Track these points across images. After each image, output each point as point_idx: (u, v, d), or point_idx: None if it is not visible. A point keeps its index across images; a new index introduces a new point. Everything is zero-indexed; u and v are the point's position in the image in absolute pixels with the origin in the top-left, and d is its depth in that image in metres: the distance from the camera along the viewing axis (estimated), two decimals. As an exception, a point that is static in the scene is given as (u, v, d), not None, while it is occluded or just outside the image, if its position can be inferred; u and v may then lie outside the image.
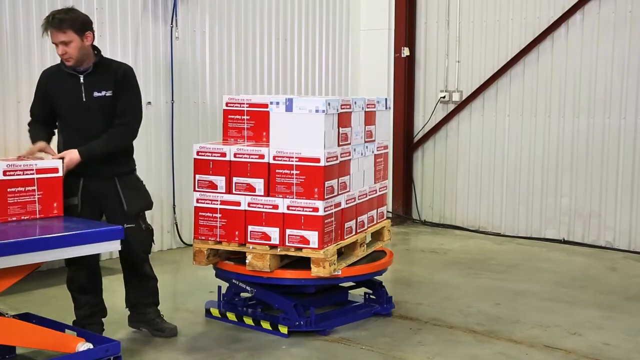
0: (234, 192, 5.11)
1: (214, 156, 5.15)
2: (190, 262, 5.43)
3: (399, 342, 5.10)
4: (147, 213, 5.12)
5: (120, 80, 4.81)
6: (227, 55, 8.14)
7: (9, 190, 4.32)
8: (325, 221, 4.96)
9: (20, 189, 4.36)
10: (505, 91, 8.70)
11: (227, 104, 5.40)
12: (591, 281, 6.73)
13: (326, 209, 4.95)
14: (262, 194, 5.04)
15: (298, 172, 4.94)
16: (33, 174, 4.42)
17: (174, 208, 7.75)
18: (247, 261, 5.08)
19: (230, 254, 5.35)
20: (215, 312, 5.50)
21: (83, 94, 4.74)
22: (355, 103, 5.38)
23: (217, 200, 5.15)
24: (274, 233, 5.02)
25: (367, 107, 5.57)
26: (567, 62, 8.22)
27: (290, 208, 4.97)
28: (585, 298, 6.20)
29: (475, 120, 8.95)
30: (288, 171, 4.96)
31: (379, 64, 9.45)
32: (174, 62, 7.63)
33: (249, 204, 5.07)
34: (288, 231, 4.99)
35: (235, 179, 5.11)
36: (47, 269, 6.27)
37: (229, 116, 5.39)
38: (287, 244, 5.01)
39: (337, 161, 5.08)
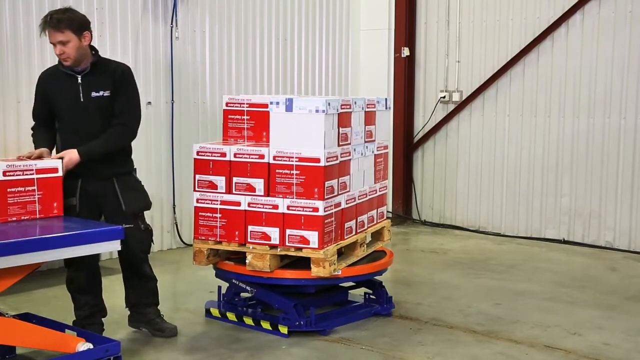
0: (234, 192, 5.11)
1: (214, 156, 5.15)
2: (190, 262, 5.43)
3: (399, 342, 5.10)
4: (147, 213, 5.11)
5: (119, 80, 4.80)
6: (227, 55, 8.14)
7: (8, 190, 4.32)
8: (325, 221, 4.96)
9: (20, 189, 4.37)
10: (505, 91, 8.70)
11: (227, 104, 5.40)
12: (591, 281, 6.73)
13: (326, 209, 4.95)
14: (262, 194, 5.04)
15: (298, 172, 4.94)
16: (33, 174, 4.42)
17: (174, 208, 7.75)
18: (247, 261, 5.08)
19: (230, 254, 5.35)
20: (215, 312, 5.50)
21: (81, 94, 4.74)
22: (355, 103, 5.38)
23: (217, 200, 5.15)
24: (274, 233, 5.02)
25: (367, 107, 5.57)
26: (567, 62, 8.22)
27: (290, 208, 4.97)
28: (585, 298, 6.20)
29: (475, 120, 8.95)
30: (288, 171, 4.96)
31: (379, 64, 9.45)
32: (174, 62, 7.63)
33: (249, 204, 5.07)
34: (288, 231, 4.99)
35: (235, 179, 5.11)
36: (47, 269, 6.27)
37: (229, 116, 5.39)
38: (287, 244, 5.01)
39: (337, 161, 5.08)
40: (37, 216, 4.43)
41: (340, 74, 9.46)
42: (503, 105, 8.72)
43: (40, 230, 4.26)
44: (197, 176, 5.21)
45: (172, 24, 7.56)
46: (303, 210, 4.94)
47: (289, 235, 4.99)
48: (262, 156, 5.02)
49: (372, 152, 5.68)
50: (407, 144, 9.39)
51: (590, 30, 8.06)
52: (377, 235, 5.93)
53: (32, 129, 4.95)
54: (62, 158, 4.62)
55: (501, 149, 8.76)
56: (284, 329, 5.13)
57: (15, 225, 4.29)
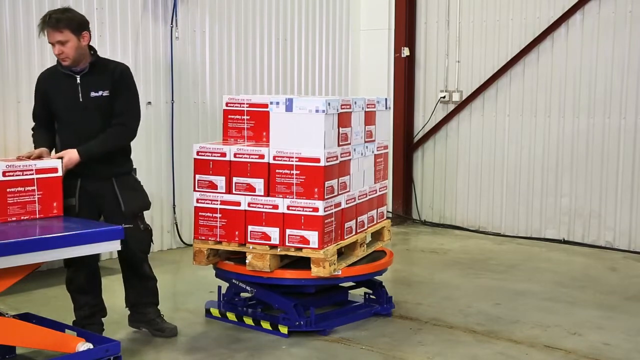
0: (234, 192, 5.11)
1: (214, 156, 5.15)
2: (190, 262, 5.43)
3: (399, 342, 5.10)
4: (147, 213, 5.11)
5: (118, 80, 4.80)
6: (227, 55, 8.14)
7: (8, 190, 4.32)
8: (325, 221, 4.96)
9: (19, 189, 4.36)
10: (505, 91, 8.70)
11: (227, 104, 5.40)
12: (591, 281, 6.73)
13: (326, 209, 4.95)
14: (262, 194, 5.04)
15: (298, 172, 4.94)
16: (32, 174, 4.42)
17: (174, 208, 7.75)
18: (247, 261, 5.08)
19: (230, 254, 5.35)
20: (215, 312, 5.50)
21: (80, 94, 4.74)
22: (355, 103, 5.38)
23: (217, 200, 5.15)
24: (274, 233, 5.02)
25: (367, 107, 5.57)
26: (567, 62, 8.22)
27: (290, 208, 4.97)
28: (585, 298, 6.20)
29: (475, 120, 8.95)
30: (288, 171, 4.96)
31: (379, 64, 9.45)
32: (174, 62, 7.64)
33: (249, 204, 5.07)
34: (288, 231, 4.99)
35: (235, 179, 5.11)
36: (47, 269, 6.27)
37: (229, 116, 5.38)
38: (287, 244, 5.01)
39: (337, 161, 5.08)
40: (37, 216, 4.43)
41: (340, 74, 9.46)
42: (503, 105, 8.72)
43: (40, 230, 4.26)
44: (197, 176, 5.21)
45: (172, 24, 7.56)
46: (303, 210, 4.94)
47: (289, 235, 4.99)
48: (262, 156, 5.02)
49: (372, 152, 5.68)
50: (407, 144, 9.39)
51: (590, 30, 8.05)
52: (377, 235, 5.93)
53: (33, 129, 4.95)
54: (61, 158, 4.62)
55: (501, 149, 8.76)
56: (284, 329, 5.13)
57: (15, 225, 4.29)
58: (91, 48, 4.79)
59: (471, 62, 8.93)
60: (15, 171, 4.35)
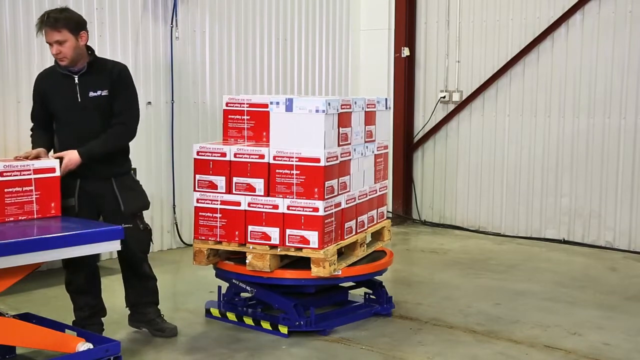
0: (234, 192, 5.11)
1: (214, 156, 5.15)
2: (190, 262, 5.43)
3: (399, 342, 5.10)
4: (147, 213, 5.12)
5: (116, 79, 4.80)
6: (227, 55, 8.14)
7: (6, 190, 4.31)
8: (325, 221, 4.96)
9: (17, 189, 4.35)
10: (505, 91, 8.69)
11: (227, 104, 5.40)
12: (591, 281, 6.73)
13: (326, 209, 4.95)
14: (262, 194, 5.04)
15: (298, 172, 4.94)
16: (30, 174, 4.41)
17: (174, 208, 7.75)
18: (247, 261, 5.08)
19: (230, 254, 5.35)
20: (215, 312, 5.50)
21: (78, 94, 4.73)
22: (355, 103, 5.38)
23: (217, 200, 5.15)
24: (274, 233, 5.02)
25: (367, 107, 5.57)
26: (567, 62, 8.22)
27: (291, 208, 4.97)
28: (585, 298, 6.20)
29: (475, 120, 8.95)
30: (288, 171, 4.96)
31: (379, 64, 9.45)
32: (174, 62, 7.63)
33: (249, 204, 5.07)
34: (288, 231, 4.99)
35: (235, 179, 5.11)
36: (47, 269, 6.26)
37: (229, 116, 5.38)
38: (287, 244, 5.01)
39: (337, 161, 5.08)
40: (35, 216, 4.42)
41: (340, 74, 9.46)
42: (503, 105, 8.72)
43: (40, 230, 4.26)
44: (197, 176, 5.21)
45: (172, 24, 7.56)
46: (303, 210, 4.94)
47: (289, 235, 4.99)
48: (262, 156, 5.02)
49: (372, 152, 5.68)
50: (407, 144, 9.39)
51: (590, 30, 8.05)
52: (377, 235, 5.93)
53: (31, 129, 4.95)
54: (61, 158, 4.62)
55: (501, 149, 8.76)
56: (284, 329, 5.13)
57: (14, 225, 4.28)
58: (89, 48, 4.79)
59: (471, 62, 8.93)
60: (13, 171, 4.34)
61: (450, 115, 9.09)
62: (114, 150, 4.83)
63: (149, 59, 7.47)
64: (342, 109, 5.13)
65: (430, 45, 9.23)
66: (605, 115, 8.01)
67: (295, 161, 4.94)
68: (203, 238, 5.22)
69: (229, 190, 5.12)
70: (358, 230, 5.46)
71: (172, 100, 7.65)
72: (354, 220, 5.39)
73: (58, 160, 4.58)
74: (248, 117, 5.32)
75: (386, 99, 5.95)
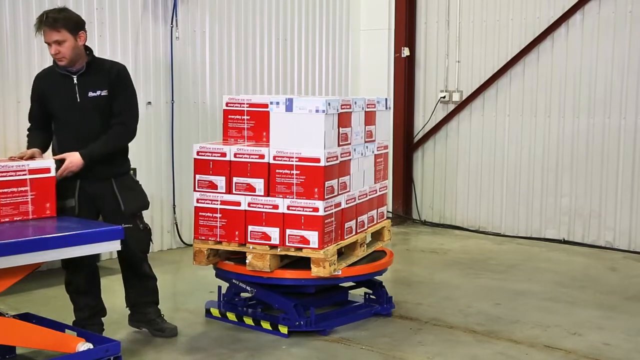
0: (234, 192, 5.11)
1: (214, 156, 5.15)
2: (190, 262, 5.43)
3: (399, 342, 5.10)
4: (147, 213, 5.12)
5: (115, 79, 4.80)
6: (227, 55, 8.14)
7: (1, 191, 4.29)
8: (326, 221, 4.96)
9: (13, 189, 4.33)
10: (505, 91, 8.69)
11: (227, 104, 5.40)
12: (591, 281, 6.73)
13: (326, 209, 4.95)
14: (262, 194, 5.04)
15: (298, 172, 4.94)
16: (26, 174, 4.39)
17: (174, 208, 7.75)
18: (247, 261, 5.08)
19: (230, 254, 5.35)
20: (215, 312, 5.50)
21: (77, 95, 4.73)
22: (355, 103, 5.38)
23: (217, 200, 5.15)
24: (274, 233, 5.02)
25: (367, 107, 5.57)
26: (567, 62, 8.22)
27: (291, 208, 4.97)
28: (585, 298, 6.20)
29: (475, 120, 8.95)
30: (288, 171, 4.96)
31: (379, 64, 9.45)
32: (174, 62, 7.63)
33: (249, 204, 5.07)
34: (288, 231, 4.99)
35: (235, 179, 5.11)
36: (47, 269, 6.26)
37: (229, 116, 5.38)
38: (287, 244, 5.01)
39: (337, 161, 5.08)
40: (30, 217, 4.40)
41: (340, 74, 9.46)
42: (503, 105, 8.72)
43: (40, 230, 4.25)
44: (197, 176, 5.21)
45: (172, 24, 7.56)
46: (303, 210, 4.94)
47: (289, 235, 4.99)
48: (262, 156, 5.02)
49: (372, 152, 5.68)
50: (407, 144, 9.39)
51: (590, 30, 8.05)
52: (377, 235, 5.93)
53: (28, 130, 4.94)
54: (62, 160, 4.62)
55: (501, 149, 8.76)
56: (284, 329, 5.13)
57: (13, 225, 4.27)
58: (87, 48, 4.79)
59: (471, 62, 8.93)
60: (8, 172, 4.32)
61: (450, 115, 9.09)
62: (115, 150, 4.83)
63: (149, 59, 7.47)
64: (342, 109, 5.13)
65: (430, 45, 9.24)
66: (605, 115, 8.01)
67: (295, 161, 4.94)
68: (203, 238, 5.22)
69: (229, 190, 5.12)
70: (358, 230, 5.46)
71: (172, 100, 7.65)
72: (354, 220, 5.39)
73: (53, 161, 4.56)
74: (248, 117, 5.32)
75: (386, 99, 5.95)
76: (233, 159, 5.10)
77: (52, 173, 4.50)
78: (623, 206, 7.97)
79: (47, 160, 4.56)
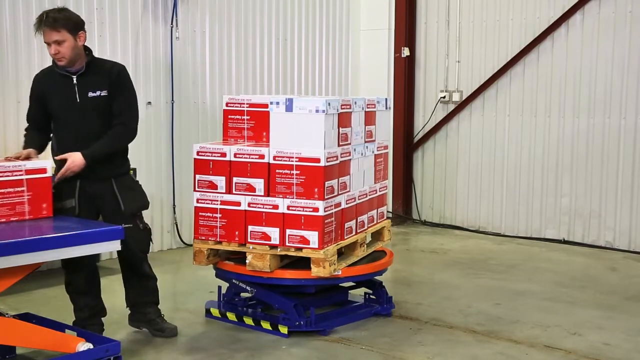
0: (234, 192, 5.11)
1: (214, 156, 5.15)
2: (190, 262, 5.43)
3: (399, 342, 5.10)
4: (147, 212, 5.12)
5: (115, 80, 4.80)
6: (227, 55, 8.14)
7: None
8: (326, 221, 4.96)
9: (9, 190, 4.32)
10: (505, 91, 8.69)
11: (227, 104, 5.40)
12: (591, 281, 6.73)
13: (326, 209, 4.95)
14: (262, 194, 5.04)
15: (298, 172, 4.94)
16: (22, 174, 4.38)
17: (174, 208, 7.75)
18: (247, 261, 5.08)
19: (230, 254, 5.35)
20: (215, 312, 5.50)
21: (77, 95, 4.72)
22: (355, 103, 5.38)
23: (217, 200, 5.15)
24: (274, 233, 5.02)
25: (367, 107, 5.57)
26: (567, 62, 8.22)
27: (291, 208, 4.97)
28: (585, 298, 6.20)
29: (475, 120, 8.95)
30: (288, 171, 4.96)
31: (379, 64, 9.45)
32: (174, 62, 7.64)
33: (249, 204, 5.07)
34: (288, 231, 4.99)
35: (235, 179, 5.11)
36: (47, 269, 6.26)
37: (229, 116, 5.38)
38: (287, 244, 5.01)
39: (337, 161, 5.08)
40: (26, 217, 4.38)
41: (340, 74, 9.46)
42: (503, 105, 8.72)
43: (40, 230, 4.25)
44: (197, 176, 5.21)
45: (172, 24, 7.56)
46: (303, 210, 4.94)
47: (289, 235, 4.99)
48: (262, 156, 5.02)
49: (372, 152, 5.68)
50: (407, 144, 9.39)
51: (590, 30, 8.05)
52: (377, 235, 5.93)
53: (25, 130, 4.93)
54: (64, 160, 4.61)
55: (501, 149, 8.76)
56: (284, 329, 5.13)
57: (12, 225, 4.27)
58: (86, 48, 4.78)
59: (471, 62, 8.93)
60: (5, 172, 4.32)
61: (450, 115, 9.09)
62: (116, 150, 4.84)
63: (149, 59, 7.47)
64: (342, 109, 5.13)
65: (430, 45, 9.23)
66: (605, 115, 8.01)
67: (295, 161, 4.94)
68: (203, 238, 5.22)
69: (229, 190, 5.12)
70: (358, 230, 5.46)
71: (172, 100, 7.65)
72: (354, 220, 5.39)
73: (49, 161, 4.54)
74: (248, 117, 5.32)
75: (386, 99, 5.95)
76: (233, 159, 5.10)
77: (49, 173, 4.49)
78: (623, 206, 7.97)
79: (44, 161, 4.54)
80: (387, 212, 6.63)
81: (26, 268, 4.04)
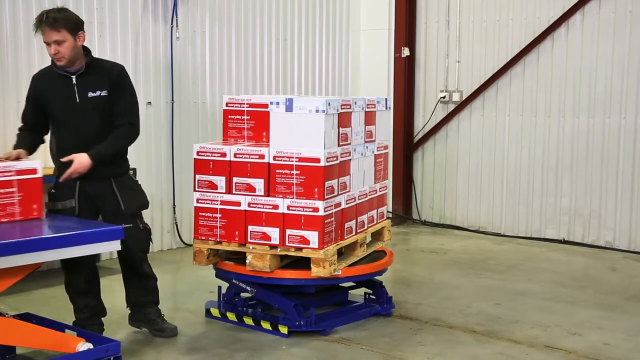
0: (234, 192, 5.11)
1: (214, 156, 5.15)
2: (190, 262, 5.43)
3: (399, 342, 5.10)
4: (147, 212, 5.12)
5: (116, 80, 4.79)
6: (227, 55, 8.14)
7: None
8: (326, 221, 4.96)
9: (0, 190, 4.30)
10: (505, 91, 8.69)
11: (227, 104, 5.40)
12: (591, 281, 6.73)
13: (326, 209, 4.95)
14: (262, 194, 5.04)
15: (298, 172, 4.94)
16: (12, 175, 4.34)
17: (174, 208, 7.75)
18: (247, 261, 5.08)
19: (230, 254, 5.35)
20: (215, 312, 5.50)
21: (77, 95, 4.72)
22: (355, 103, 5.38)
23: (217, 201, 5.15)
24: (274, 233, 5.02)
25: (367, 107, 5.57)
26: (567, 62, 8.22)
27: (291, 208, 4.97)
28: (585, 298, 6.20)
29: (475, 120, 8.95)
30: (288, 171, 4.96)
31: (379, 64, 9.45)
32: (174, 62, 7.64)
33: (249, 204, 5.07)
34: (288, 231, 4.99)
35: (235, 179, 5.11)
36: (47, 269, 6.25)
37: (229, 116, 5.38)
38: (287, 244, 5.01)
39: (337, 161, 5.08)
40: (17, 218, 4.34)
41: (340, 74, 9.46)
42: (503, 105, 8.72)
43: (40, 230, 4.26)
44: (197, 176, 5.21)
45: (172, 24, 7.56)
46: (303, 211, 4.94)
47: (289, 235, 4.99)
48: (262, 156, 5.02)
49: (372, 152, 5.68)
50: (407, 144, 9.39)
51: (590, 30, 8.05)
52: (377, 235, 5.93)
53: (19, 129, 4.91)
54: (70, 161, 4.60)
55: (501, 149, 8.76)
56: (284, 329, 5.13)
57: (11, 225, 4.25)
58: (85, 48, 4.78)
59: (471, 62, 8.93)
60: None
61: (450, 115, 9.09)
62: (121, 150, 4.85)
63: (149, 59, 7.47)
64: (342, 109, 5.13)
65: (430, 45, 9.23)
66: (605, 115, 8.01)
67: (295, 161, 4.94)
68: (203, 238, 5.22)
69: (229, 190, 5.12)
70: (358, 230, 5.46)
71: (172, 100, 7.65)
72: (354, 220, 5.39)
73: (39, 162, 4.48)
74: (248, 117, 5.32)
75: (386, 99, 5.95)
76: (233, 159, 5.10)
77: (39, 174, 4.44)
78: (623, 206, 7.97)
79: (34, 161, 4.49)
80: (387, 212, 6.63)
81: (26, 268, 4.04)
